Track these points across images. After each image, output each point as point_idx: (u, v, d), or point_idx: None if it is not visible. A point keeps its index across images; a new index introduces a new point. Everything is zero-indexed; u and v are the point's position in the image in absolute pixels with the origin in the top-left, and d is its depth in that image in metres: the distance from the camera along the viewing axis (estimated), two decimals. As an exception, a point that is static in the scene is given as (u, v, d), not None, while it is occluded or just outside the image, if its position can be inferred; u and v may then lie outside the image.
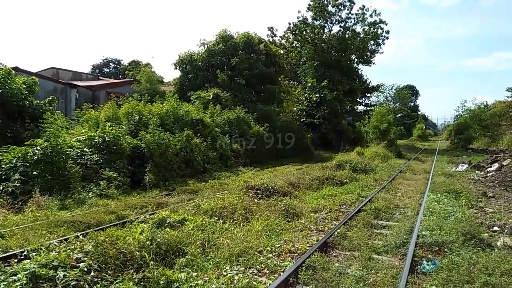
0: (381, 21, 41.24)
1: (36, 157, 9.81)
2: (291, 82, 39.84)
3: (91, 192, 10.00)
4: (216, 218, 7.11)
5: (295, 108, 33.25)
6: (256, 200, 8.99)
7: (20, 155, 9.88)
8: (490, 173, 15.18)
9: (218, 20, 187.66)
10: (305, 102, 34.35)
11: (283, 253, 5.82)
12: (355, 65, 43.95)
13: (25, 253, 5.14)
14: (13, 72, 13.91)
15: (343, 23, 40.96)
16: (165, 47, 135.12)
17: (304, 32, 40.88)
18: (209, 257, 5.34)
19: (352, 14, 40.83)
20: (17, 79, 13.70)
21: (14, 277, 4.11)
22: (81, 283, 4.22)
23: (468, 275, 4.73)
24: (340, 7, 40.27)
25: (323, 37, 40.61)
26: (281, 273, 4.87)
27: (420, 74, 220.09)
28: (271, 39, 43.42)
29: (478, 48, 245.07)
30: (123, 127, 14.47)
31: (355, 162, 16.15)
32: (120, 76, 52.40)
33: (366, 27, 41.48)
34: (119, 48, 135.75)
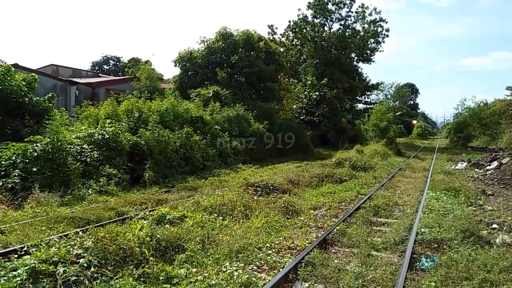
0: (381, 19, 41.20)
1: (36, 154, 9.82)
2: (291, 80, 39.75)
3: (90, 189, 10.02)
4: (216, 215, 7.13)
5: (294, 106, 33.21)
6: (255, 197, 9.01)
7: (19, 151, 9.90)
8: (489, 171, 15.20)
9: (218, 17, 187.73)
10: (305, 100, 34.32)
11: (283, 249, 5.84)
12: (355, 63, 43.92)
13: (25, 248, 5.15)
14: (13, 69, 13.90)
15: (343, 21, 40.83)
16: (165, 45, 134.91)
17: (304, 30, 40.80)
18: (208, 253, 5.36)
19: (352, 12, 40.71)
20: (17, 76, 13.69)
21: (14, 273, 4.12)
22: (81, 278, 4.24)
23: (467, 272, 4.75)
24: (340, 5, 40.10)
25: (323, 35, 40.53)
26: (281, 269, 4.89)
27: (418, 73, 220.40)
28: (271, 37, 43.36)
29: (475, 48, 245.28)
30: (123, 124, 14.47)
31: (355, 160, 16.15)
32: (120, 73, 52.24)
33: (366, 25, 41.39)
34: (119, 45, 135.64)
